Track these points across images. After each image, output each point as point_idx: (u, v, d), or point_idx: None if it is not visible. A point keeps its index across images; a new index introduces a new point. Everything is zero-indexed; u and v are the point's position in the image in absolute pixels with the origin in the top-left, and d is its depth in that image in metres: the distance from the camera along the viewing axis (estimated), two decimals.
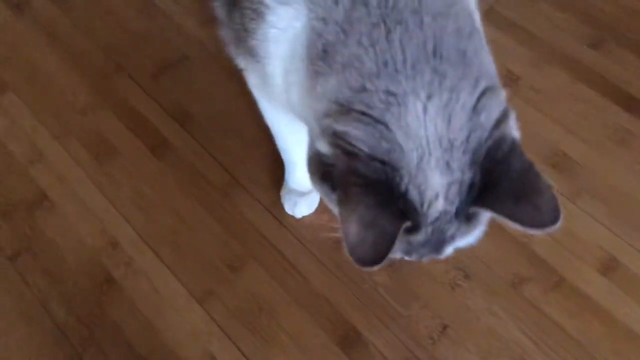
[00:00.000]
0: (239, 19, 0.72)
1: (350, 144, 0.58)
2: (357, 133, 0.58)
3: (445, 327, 0.91)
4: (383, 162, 0.57)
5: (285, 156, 0.98)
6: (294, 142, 0.92)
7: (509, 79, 1.13)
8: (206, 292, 0.96)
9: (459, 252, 0.66)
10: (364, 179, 0.57)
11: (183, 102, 1.14)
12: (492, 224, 0.65)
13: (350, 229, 0.55)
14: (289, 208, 1.01)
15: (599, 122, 1.08)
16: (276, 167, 1.04)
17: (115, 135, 1.12)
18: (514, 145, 0.58)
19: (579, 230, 0.97)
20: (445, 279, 0.93)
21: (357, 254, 0.55)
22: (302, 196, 1.00)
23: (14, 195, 1.06)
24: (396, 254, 0.64)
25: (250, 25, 0.69)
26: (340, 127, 0.59)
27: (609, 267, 0.94)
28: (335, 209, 0.64)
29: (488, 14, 1.19)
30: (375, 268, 0.56)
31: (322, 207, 1.00)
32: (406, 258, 0.66)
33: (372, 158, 0.57)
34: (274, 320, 0.93)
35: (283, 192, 1.02)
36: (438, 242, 0.62)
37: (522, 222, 0.57)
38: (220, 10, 0.79)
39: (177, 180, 1.06)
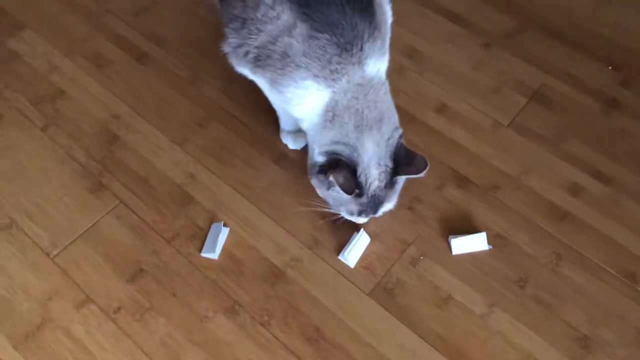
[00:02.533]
0: (283, 86, 1.16)
1: (339, 154, 1.14)
2: (343, 149, 1.13)
3: None
4: (353, 162, 1.13)
5: (279, 110, 1.38)
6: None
7: None
8: (183, 139, 1.42)
9: None
10: (345, 164, 1.13)
11: (157, 31, 1.62)
12: None
13: (339, 180, 1.10)
14: (291, 144, 1.41)
15: (435, 30, 1.64)
16: (227, 66, 1.52)
17: (109, 52, 1.57)
18: (403, 146, 1.16)
19: (424, 90, 1.51)
20: None
21: (344, 190, 1.11)
22: (297, 133, 1.39)
23: (41, 92, 1.50)
24: (353, 216, 1.20)
25: (291, 93, 1.16)
26: (334, 148, 1.14)
27: (442, 109, 1.48)
28: (324, 192, 1.19)
29: None
30: (351, 195, 1.13)
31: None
32: (359, 218, 1.20)
33: (347, 159, 1.13)
34: (231, 152, 1.41)
35: (282, 135, 1.42)
36: (376, 205, 1.17)
37: (414, 173, 1.15)
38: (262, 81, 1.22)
39: (156, 77, 1.53)
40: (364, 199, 1.15)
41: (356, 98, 1.13)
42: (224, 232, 1.28)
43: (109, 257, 1.26)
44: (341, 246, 1.27)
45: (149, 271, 1.25)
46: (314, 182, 1.20)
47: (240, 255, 1.27)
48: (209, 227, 1.29)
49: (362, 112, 1.13)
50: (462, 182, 1.37)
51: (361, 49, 1.11)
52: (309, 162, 1.22)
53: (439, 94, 1.51)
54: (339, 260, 1.26)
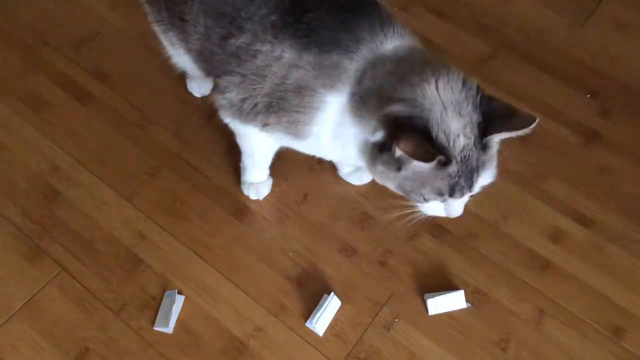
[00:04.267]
0: (307, 123, 0.97)
1: (396, 116, 0.87)
2: (399, 108, 0.87)
3: (306, 195, 1.30)
4: (420, 119, 0.86)
5: (250, 163, 1.24)
6: (264, 155, 1.21)
7: None
8: (131, 192, 1.29)
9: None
10: (410, 125, 0.85)
11: (100, 65, 1.47)
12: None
13: (408, 149, 0.83)
14: (253, 195, 1.28)
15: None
16: (178, 105, 1.39)
17: (48, 92, 1.42)
18: (489, 96, 0.90)
19: None
20: (304, 164, 1.33)
21: (420, 157, 0.84)
22: (260, 184, 1.28)
23: None
24: (443, 199, 0.91)
25: (318, 124, 0.97)
26: (387, 110, 0.88)
27: None
28: (395, 178, 0.91)
29: None
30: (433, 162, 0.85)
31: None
32: (452, 201, 0.92)
33: (410, 118, 0.86)
34: (186, 206, 1.28)
35: (244, 187, 1.28)
36: (469, 172, 0.88)
37: (517, 128, 0.87)
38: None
39: (100, 120, 1.39)
40: (452, 166, 0.87)
41: (382, 63, 0.93)
42: (179, 301, 1.16)
43: (50, 335, 1.13)
44: (309, 311, 1.16)
45: (95, 350, 1.12)
46: (378, 171, 0.93)
47: (197, 327, 1.15)
48: (162, 295, 1.17)
49: (397, 61, 0.92)
50: (437, 230, 1.27)
51: (375, 46, 0.95)
52: (364, 157, 0.95)
53: None
54: (307, 327, 1.16)
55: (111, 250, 1.22)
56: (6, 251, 1.21)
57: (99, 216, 1.26)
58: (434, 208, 0.97)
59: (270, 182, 1.30)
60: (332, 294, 1.16)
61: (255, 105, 1.03)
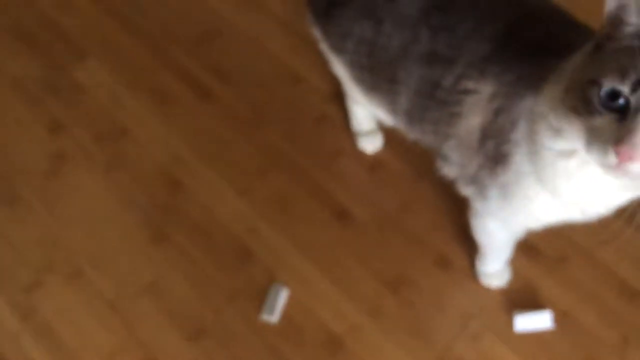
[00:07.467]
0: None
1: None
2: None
3: (406, 204, 1.38)
4: None
5: (496, 253, 1.22)
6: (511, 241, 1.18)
7: None
8: (245, 188, 1.40)
9: None
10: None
11: (220, 64, 1.58)
12: None
13: None
14: (497, 282, 1.27)
15: None
16: (290, 108, 1.49)
17: (172, 87, 1.55)
18: None
19: None
20: (405, 172, 1.40)
21: None
22: (502, 270, 1.27)
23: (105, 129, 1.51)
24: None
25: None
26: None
27: None
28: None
29: None
30: None
31: None
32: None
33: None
34: (293, 205, 1.39)
35: (483, 277, 1.27)
36: None
37: None
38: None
39: (218, 117, 1.50)
40: None
41: None
42: (284, 294, 1.28)
43: (170, 314, 1.28)
44: (406, 320, 1.26)
45: (210, 333, 1.26)
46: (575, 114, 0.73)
47: (298, 319, 1.27)
48: (268, 287, 1.30)
49: None
50: (530, 250, 1.32)
51: None
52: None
53: None
54: (405, 331, 1.25)
55: (226, 241, 1.35)
56: (134, 233, 1.37)
57: (216, 208, 1.39)
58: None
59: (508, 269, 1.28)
60: None
61: None
